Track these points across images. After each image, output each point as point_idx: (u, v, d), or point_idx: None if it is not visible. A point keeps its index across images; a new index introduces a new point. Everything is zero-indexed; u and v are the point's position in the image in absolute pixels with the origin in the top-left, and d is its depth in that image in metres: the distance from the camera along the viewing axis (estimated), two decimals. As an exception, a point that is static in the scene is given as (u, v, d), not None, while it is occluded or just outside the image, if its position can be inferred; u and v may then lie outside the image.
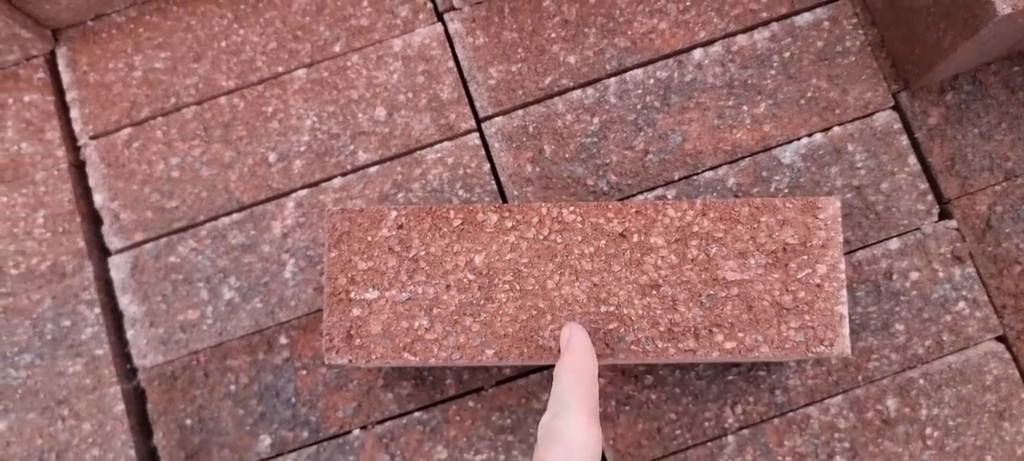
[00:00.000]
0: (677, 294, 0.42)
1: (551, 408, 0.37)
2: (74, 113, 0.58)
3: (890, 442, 0.52)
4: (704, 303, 0.42)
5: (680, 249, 0.42)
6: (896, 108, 0.56)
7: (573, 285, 0.42)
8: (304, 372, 0.54)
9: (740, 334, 0.42)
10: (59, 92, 0.58)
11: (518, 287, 0.42)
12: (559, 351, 0.41)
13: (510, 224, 0.43)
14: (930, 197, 0.55)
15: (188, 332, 0.55)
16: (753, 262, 0.42)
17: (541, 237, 0.43)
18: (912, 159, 0.55)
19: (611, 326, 0.42)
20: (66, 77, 0.58)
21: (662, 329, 0.42)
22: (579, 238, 0.43)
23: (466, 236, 0.43)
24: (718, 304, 0.42)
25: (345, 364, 0.42)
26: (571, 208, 0.43)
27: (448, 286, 0.42)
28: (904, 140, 0.55)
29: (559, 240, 0.43)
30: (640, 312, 0.42)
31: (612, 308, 0.42)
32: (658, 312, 0.42)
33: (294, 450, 0.53)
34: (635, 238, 0.42)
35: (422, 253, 0.43)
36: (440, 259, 0.43)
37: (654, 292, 0.42)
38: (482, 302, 0.42)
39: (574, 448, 0.35)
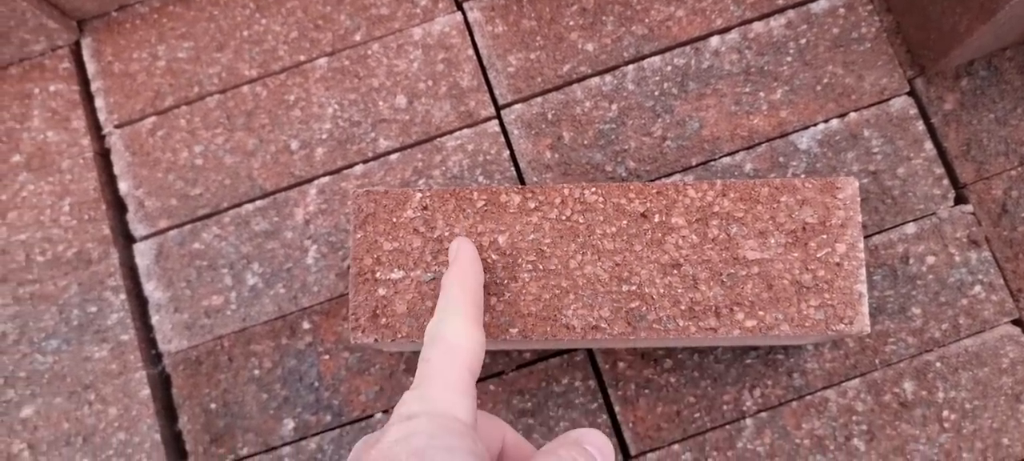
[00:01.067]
0: (698, 273, 0.43)
1: (437, 315, 0.37)
2: (99, 102, 0.59)
3: (907, 425, 0.53)
4: (725, 282, 0.42)
5: (701, 229, 0.43)
6: (912, 94, 0.56)
7: (595, 264, 0.43)
8: (327, 357, 0.55)
9: (761, 312, 0.42)
10: (84, 82, 0.59)
11: (541, 267, 0.43)
12: (582, 331, 0.42)
13: (533, 205, 0.43)
14: (946, 182, 0.55)
15: (212, 317, 0.56)
16: (773, 241, 0.43)
17: (564, 217, 0.43)
18: (928, 144, 0.55)
19: (633, 305, 0.42)
20: (91, 67, 0.59)
21: (683, 308, 0.42)
22: (601, 218, 0.43)
23: (490, 217, 0.43)
24: (739, 283, 0.42)
25: (371, 343, 0.43)
26: (593, 189, 0.43)
27: (472, 266, 0.43)
28: (920, 125, 0.55)
29: (581, 220, 0.43)
30: (662, 291, 0.42)
31: (634, 287, 0.43)
32: (679, 291, 0.42)
33: (317, 434, 0.54)
34: (656, 218, 0.43)
35: (446, 234, 0.43)
36: (464, 239, 0.43)
37: (675, 271, 0.43)
38: (506, 282, 0.43)
39: (456, 348, 0.35)
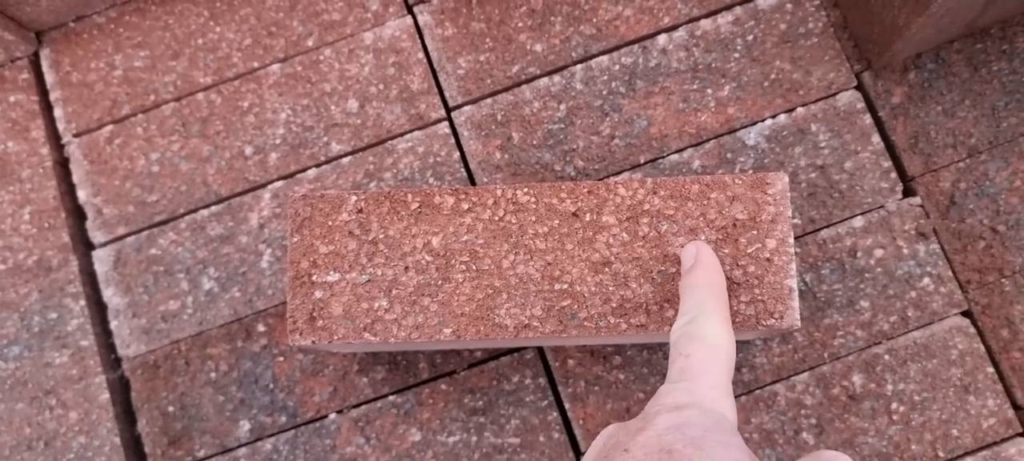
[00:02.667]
0: (628, 271, 0.43)
1: (684, 316, 0.37)
2: (58, 112, 0.60)
3: (856, 417, 0.53)
4: (655, 279, 0.43)
5: (631, 227, 0.43)
6: (859, 88, 0.56)
7: (528, 264, 0.43)
8: (281, 359, 0.56)
9: (691, 309, 0.43)
10: (43, 92, 0.60)
11: (474, 267, 0.43)
12: (515, 330, 0.42)
13: (466, 206, 0.44)
14: (894, 175, 0.55)
15: (169, 322, 0.56)
16: (703, 238, 0.43)
17: (497, 218, 0.44)
18: (875, 138, 0.55)
19: (564, 303, 0.43)
20: (49, 77, 0.60)
21: (614, 305, 0.43)
22: (533, 218, 0.44)
23: (424, 219, 0.44)
24: (669, 280, 0.43)
25: (308, 346, 0.44)
26: (526, 189, 0.44)
27: (406, 267, 0.44)
28: (867, 119, 0.56)
29: (514, 221, 0.44)
30: (593, 289, 0.43)
31: (565, 286, 0.43)
32: (610, 289, 0.43)
33: (273, 434, 0.55)
34: (587, 217, 0.43)
35: (381, 236, 0.44)
36: (398, 241, 0.44)
37: (606, 269, 0.43)
38: (439, 283, 0.43)
39: (717, 348, 0.35)
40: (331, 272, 0.44)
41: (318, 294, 0.44)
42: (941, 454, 0.52)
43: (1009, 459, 0.52)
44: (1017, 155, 0.55)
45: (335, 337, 0.43)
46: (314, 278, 0.44)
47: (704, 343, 0.35)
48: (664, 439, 0.30)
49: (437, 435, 0.54)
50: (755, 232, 0.43)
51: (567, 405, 0.54)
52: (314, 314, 0.44)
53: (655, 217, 0.43)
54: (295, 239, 0.44)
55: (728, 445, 0.30)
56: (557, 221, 0.44)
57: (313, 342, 0.44)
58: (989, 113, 0.55)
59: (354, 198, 0.45)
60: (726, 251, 0.43)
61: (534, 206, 0.44)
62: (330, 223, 0.44)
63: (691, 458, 0.29)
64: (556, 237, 0.43)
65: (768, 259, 0.43)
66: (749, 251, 0.43)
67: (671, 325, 0.43)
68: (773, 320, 0.42)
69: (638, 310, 0.43)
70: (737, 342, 0.53)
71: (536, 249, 0.43)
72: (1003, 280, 0.54)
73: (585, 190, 0.44)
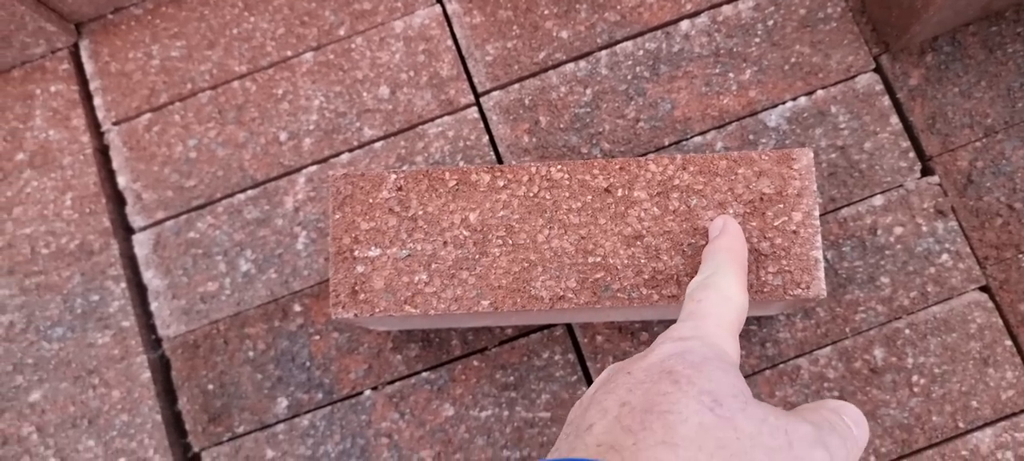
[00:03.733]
0: (660, 244, 0.45)
1: (702, 273, 0.38)
2: (97, 101, 0.61)
3: (878, 390, 0.54)
4: (685, 252, 0.44)
5: (662, 201, 0.45)
6: (878, 70, 0.58)
7: (562, 238, 0.45)
8: (317, 337, 0.57)
9: (720, 280, 0.44)
10: (83, 82, 0.62)
11: (510, 241, 0.45)
12: (550, 301, 0.44)
13: (502, 183, 0.46)
14: (912, 155, 0.57)
15: (208, 303, 0.58)
16: (731, 212, 0.45)
17: (531, 194, 0.45)
18: (894, 119, 0.57)
19: (598, 275, 0.44)
20: (89, 67, 0.62)
21: (646, 277, 0.44)
22: (567, 194, 0.45)
23: (461, 195, 0.46)
24: (699, 252, 0.44)
25: (350, 319, 0.45)
26: (559, 166, 0.46)
27: (445, 242, 0.45)
28: (886, 101, 0.57)
29: (548, 197, 0.45)
30: (625, 262, 0.44)
31: (598, 259, 0.45)
32: (642, 261, 0.44)
33: (310, 411, 0.57)
34: (619, 192, 0.45)
35: (420, 213, 0.46)
36: (437, 218, 0.45)
37: (638, 243, 0.45)
38: (477, 256, 0.45)
39: (728, 298, 0.36)
40: (372, 247, 0.46)
41: (360, 269, 0.46)
42: (961, 425, 0.54)
43: (1027, 429, 0.53)
44: (1033, 134, 0.56)
45: (377, 310, 0.45)
46: (356, 253, 0.46)
47: (717, 291, 0.36)
48: (666, 363, 0.31)
49: (470, 410, 0.56)
50: (781, 206, 0.45)
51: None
52: (356, 288, 0.45)
53: (685, 192, 0.45)
54: (337, 216, 0.46)
55: (727, 371, 0.31)
56: (590, 196, 0.45)
57: (355, 315, 0.45)
58: (1005, 94, 0.57)
59: (393, 176, 0.46)
60: (753, 224, 0.45)
61: (567, 182, 0.45)
62: (371, 200, 0.46)
63: (690, 377, 0.30)
64: (589, 212, 0.45)
65: (794, 231, 0.45)
66: (776, 224, 0.45)
67: (702, 295, 0.44)
68: (800, 290, 0.44)
69: (669, 281, 0.44)
70: (761, 317, 0.55)
71: (570, 224, 0.45)
72: (1020, 256, 0.56)
73: (617, 166, 0.45)
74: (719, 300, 0.36)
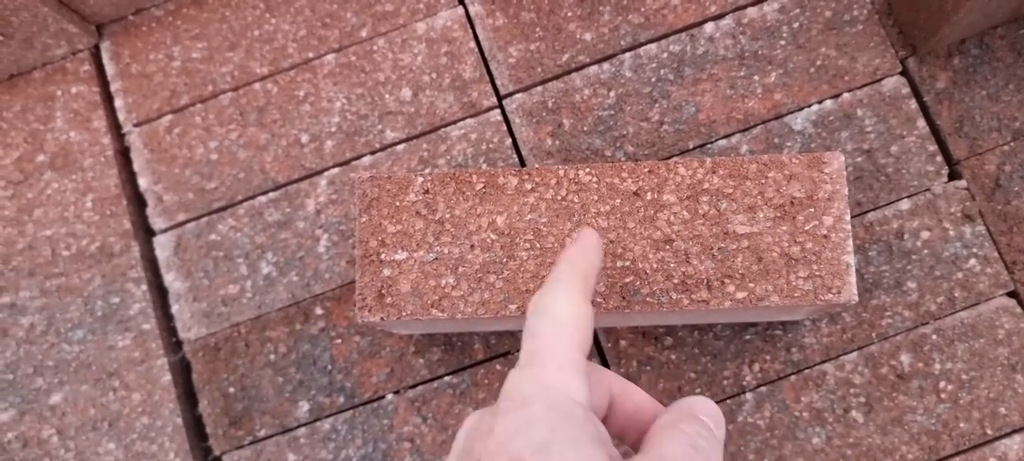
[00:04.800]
0: (690, 248, 0.44)
1: (542, 289, 0.35)
2: (118, 102, 0.61)
3: (905, 396, 0.54)
4: (715, 256, 0.44)
5: (692, 205, 0.44)
6: (904, 73, 0.57)
7: (590, 242, 0.44)
8: (339, 341, 0.57)
9: (751, 284, 0.44)
10: (104, 83, 0.62)
11: (538, 245, 0.45)
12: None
13: (529, 186, 0.45)
14: (939, 158, 0.56)
15: (229, 306, 0.58)
16: (762, 216, 0.44)
17: (559, 198, 0.45)
18: (921, 122, 0.56)
19: (627, 280, 0.44)
20: (110, 69, 0.62)
21: (676, 281, 0.44)
22: (595, 197, 0.45)
23: (488, 199, 0.45)
24: (729, 256, 0.44)
25: (377, 322, 0.45)
26: (587, 169, 0.45)
27: (472, 246, 0.45)
28: (913, 104, 0.57)
29: (576, 200, 0.45)
30: (655, 266, 0.44)
31: (628, 263, 0.44)
32: (672, 265, 0.44)
33: (331, 415, 0.56)
34: (648, 196, 0.45)
35: (447, 216, 0.45)
36: (464, 221, 0.45)
37: (668, 247, 0.44)
38: (504, 260, 0.45)
39: (564, 323, 0.33)
40: (399, 251, 0.45)
41: (386, 272, 0.45)
42: (989, 432, 0.53)
43: (1057, 436, 0.53)
44: (1062, 138, 0.56)
45: (404, 314, 0.45)
46: (382, 256, 0.45)
47: (550, 317, 0.34)
48: (512, 447, 0.29)
49: (492, 414, 0.55)
50: (812, 210, 0.44)
51: (620, 385, 0.55)
52: (383, 291, 0.45)
53: (714, 195, 0.45)
54: (363, 219, 0.46)
55: (577, 442, 0.29)
56: (619, 200, 0.45)
57: (382, 319, 0.45)
58: (1033, 97, 0.56)
59: (420, 179, 0.46)
60: (784, 228, 0.44)
61: (596, 185, 0.45)
62: (397, 203, 0.46)
63: None
64: (618, 215, 0.45)
65: (825, 236, 0.44)
66: (806, 228, 0.44)
67: (732, 301, 0.44)
68: (831, 295, 0.44)
69: (700, 286, 0.44)
70: (787, 322, 0.55)
71: (598, 227, 0.45)
72: (1049, 261, 0.55)
73: (646, 170, 0.45)
74: (553, 329, 0.33)
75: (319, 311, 0.57)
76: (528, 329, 0.34)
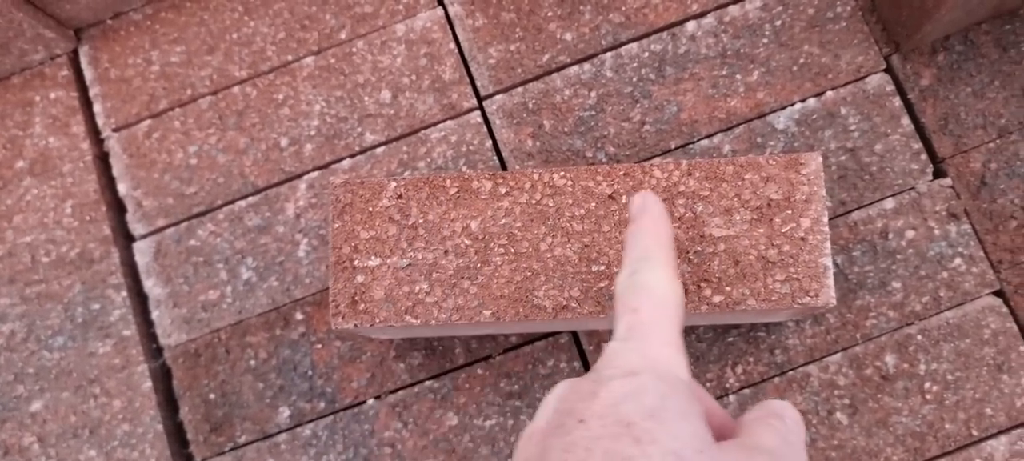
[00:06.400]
0: (665, 251, 0.44)
1: (627, 267, 0.34)
2: (97, 107, 0.61)
3: (890, 397, 0.53)
4: (692, 259, 0.44)
5: (667, 208, 0.44)
6: (888, 71, 0.57)
7: (565, 246, 0.44)
8: (319, 346, 0.57)
9: (727, 288, 0.43)
10: (82, 88, 0.61)
11: (512, 250, 0.44)
12: (553, 311, 0.43)
13: (504, 190, 0.45)
14: (924, 157, 0.55)
15: (209, 311, 0.58)
16: (738, 218, 0.44)
17: (534, 202, 0.45)
18: (905, 120, 0.56)
19: (602, 284, 0.44)
20: (88, 74, 0.61)
21: (651, 285, 0.43)
22: (570, 201, 0.44)
23: (462, 203, 0.45)
24: (705, 260, 0.43)
25: (350, 329, 0.45)
26: (562, 173, 0.45)
27: (446, 251, 0.44)
28: (897, 102, 0.56)
29: (551, 204, 0.44)
30: (630, 270, 0.44)
31: (603, 267, 0.44)
32: (647, 269, 0.43)
33: (312, 420, 0.56)
34: (624, 199, 0.44)
35: (420, 221, 0.45)
36: (438, 226, 0.45)
37: (643, 250, 0.44)
38: (479, 265, 0.44)
39: (666, 300, 0.33)
40: (372, 257, 0.45)
41: (360, 278, 0.45)
42: (975, 433, 0.53)
43: (1043, 437, 0.52)
44: (1048, 135, 0.55)
45: (377, 320, 0.44)
46: (356, 263, 0.45)
47: (652, 294, 0.33)
48: (621, 410, 0.28)
49: (474, 419, 0.55)
50: (790, 212, 0.44)
51: (601, 388, 0.54)
52: (356, 298, 0.45)
53: (690, 198, 0.44)
54: (336, 225, 0.45)
55: (687, 415, 0.29)
56: (593, 204, 0.44)
57: (355, 325, 0.44)
58: (1019, 94, 0.56)
59: (394, 184, 0.45)
60: (761, 231, 0.44)
61: (570, 189, 0.45)
62: (370, 209, 0.45)
63: (652, 434, 0.27)
64: (593, 219, 0.44)
65: (803, 238, 0.44)
66: (784, 230, 0.44)
67: (709, 305, 0.43)
68: (809, 298, 0.43)
69: (675, 290, 0.43)
70: (769, 323, 0.54)
71: (573, 231, 0.44)
72: (1035, 259, 0.54)
73: (621, 173, 0.44)
74: (656, 305, 0.33)
75: (299, 316, 0.57)
76: (626, 303, 0.33)
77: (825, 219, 0.43)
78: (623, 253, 0.36)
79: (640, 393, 0.29)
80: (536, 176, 0.45)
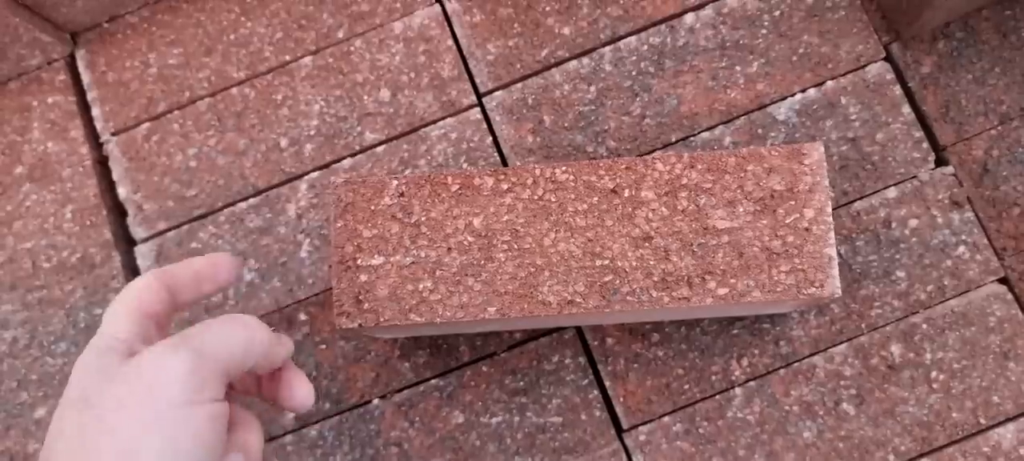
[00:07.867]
0: (669, 245, 0.43)
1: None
2: (95, 111, 0.61)
3: (896, 387, 0.53)
4: (696, 252, 0.43)
5: (670, 201, 0.44)
6: (888, 59, 0.57)
7: (568, 241, 0.44)
8: (323, 346, 0.56)
9: (732, 280, 0.43)
10: (80, 92, 0.61)
11: (516, 246, 0.44)
12: (558, 306, 0.43)
13: (506, 186, 0.45)
14: (926, 145, 0.55)
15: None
16: (742, 210, 0.44)
17: (536, 197, 0.44)
18: (906, 108, 0.56)
19: (606, 279, 0.43)
20: (86, 78, 0.61)
21: (656, 279, 0.43)
22: (572, 196, 0.44)
23: (464, 200, 0.45)
24: (709, 252, 0.43)
25: (355, 328, 0.44)
26: (564, 168, 0.44)
27: (449, 248, 0.44)
28: (897, 90, 0.56)
29: (553, 199, 0.44)
30: (634, 264, 0.43)
31: (607, 261, 0.44)
32: (651, 263, 0.43)
33: (318, 421, 0.56)
34: (626, 193, 0.44)
35: (423, 218, 0.45)
36: (441, 223, 0.45)
37: (647, 244, 0.44)
38: (482, 262, 0.44)
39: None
40: (375, 255, 0.45)
41: (363, 278, 0.45)
42: (982, 421, 0.52)
43: (1050, 423, 0.52)
44: (1050, 120, 0.55)
45: (382, 319, 0.44)
46: (359, 262, 0.45)
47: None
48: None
49: (480, 417, 0.55)
50: (793, 202, 0.44)
51: (607, 383, 0.54)
52: (360, 297, 0.44)
53: (693, 191, 0.44)
54: (339, 224, 0.45)
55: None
56: (596, 198, 0.44)
57: (360, 325, 0.44)
58: (1020, 80, 0.55)
59: (395, 182, 0.45)
60: (764, 222, 0.43)
61: (573, 184, 0.44)
62: (372, 208, 0.45)
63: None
64: (596, 214, 0.44)
65: (807, 229, 0.43)
66: (787, 221, 0.43)
67: (714, 298, 0.43)
68: (814, 289, 0.43)
69: (680, 283, 0.43)
70: (774, 315, 0.54)
71: (576, 226, 0.44)
72: (1039, 245, 0.54)
73: (623, 167, 0.44)
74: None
75: (303, 317, 0.57)
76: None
77: (829, 209, 0.43)
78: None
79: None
80: (538, 171, 0.45)
